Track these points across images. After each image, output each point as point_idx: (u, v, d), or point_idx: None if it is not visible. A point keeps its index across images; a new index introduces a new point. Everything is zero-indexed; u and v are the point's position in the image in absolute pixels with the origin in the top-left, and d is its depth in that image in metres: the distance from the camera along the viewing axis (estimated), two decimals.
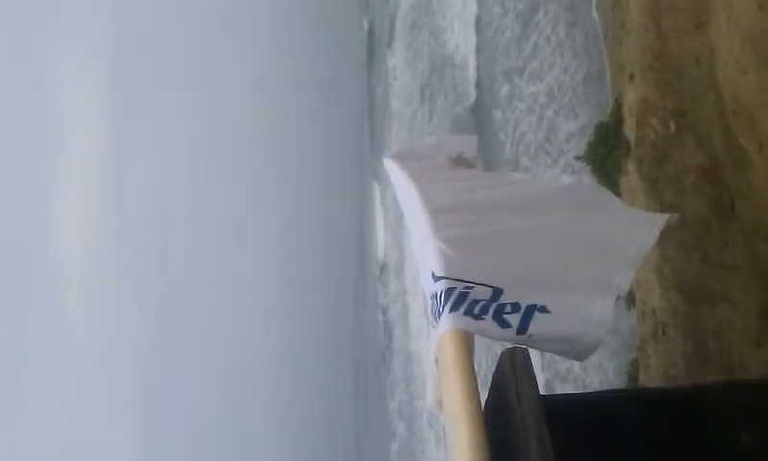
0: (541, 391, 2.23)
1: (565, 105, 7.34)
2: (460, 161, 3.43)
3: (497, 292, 2.37)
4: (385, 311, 18.37)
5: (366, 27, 22.15)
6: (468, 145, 3.59)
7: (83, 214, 23.67)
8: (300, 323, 23.84)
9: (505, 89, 9.56)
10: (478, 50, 11.17)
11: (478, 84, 11.04)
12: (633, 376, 4.51)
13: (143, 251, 24.28)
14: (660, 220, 2.81)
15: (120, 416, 23.11)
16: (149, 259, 24.22)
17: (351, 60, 23.15)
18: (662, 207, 4.20)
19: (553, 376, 6.84)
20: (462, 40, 12.20)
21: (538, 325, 2.28)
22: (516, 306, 2.32)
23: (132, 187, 24.41)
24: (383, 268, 18.76)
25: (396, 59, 18.00)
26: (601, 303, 2.37)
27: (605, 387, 5.12)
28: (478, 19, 11.21)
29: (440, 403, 2.44)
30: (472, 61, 11.39)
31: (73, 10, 23.55)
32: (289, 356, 23.92)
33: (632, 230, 2.73)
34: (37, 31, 23.24)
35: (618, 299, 2.44)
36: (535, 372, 2.21)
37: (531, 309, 2.30)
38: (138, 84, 24.33)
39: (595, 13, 6.66)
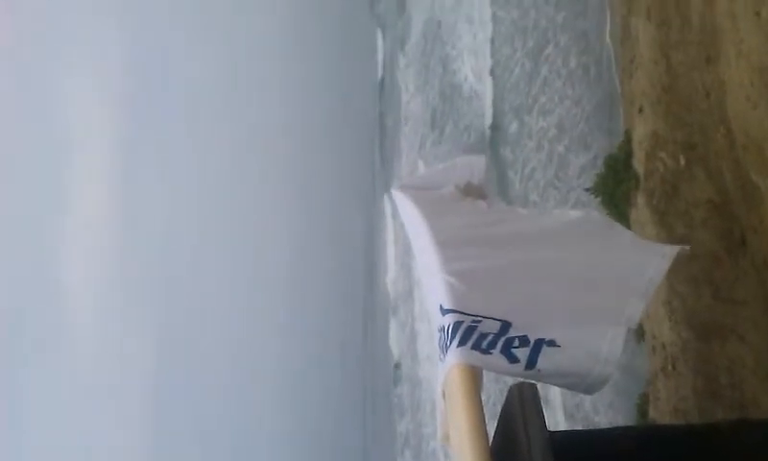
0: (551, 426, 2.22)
1: (576, 138, 7.32)
2: (469, 190, 3.40)
3: (506, 326, 2.35)
4: (393, 337, 18.32)
5: (379, 53, 22.30)
6: (477, 167, 3.53)
7: (91, 223, 23.75)
8: (308, 342, 23.79)
9: (514, 126, 9.57)
10: (484, 82, 11.23)
11: (485, 118, 11.08)
12: (642, 410, 4.47)
13: (151, 262, 24.33)
14: (671, 251, 2.78)
15: (127, 423, 23.08)
16: (157, 271, 24.27)
17: (363, 83, 23.29)
18: (672, 241, 4.18)
19: (562, 411, 6.79)
20: (470, 71, 12.26)
21: (546, 359, 2.25)
22: (524, 340, 2.30)
23: (141, 200, 24.52)
24: (392, 293, 18.73)
25: (406, 83, 18.11)
26: (611, 335, 2.35)
27: (613, 421, 5.08)
28: (487, 51, 11.28)
29: (447, 437, 2.43)
30: (481, 94, 11.44)
31: (83, 30, 23.77)
32: (296, 375, 23.84)
33: (642, 261, 2.70)
34: (46, 46, 23.43)
35: (629, 331, 2.41)
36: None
37: (540, 343, 2.28)
38: (148, 103, 24.49)
39: (609, 41, 6.65)
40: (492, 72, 10.95)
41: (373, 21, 23.11)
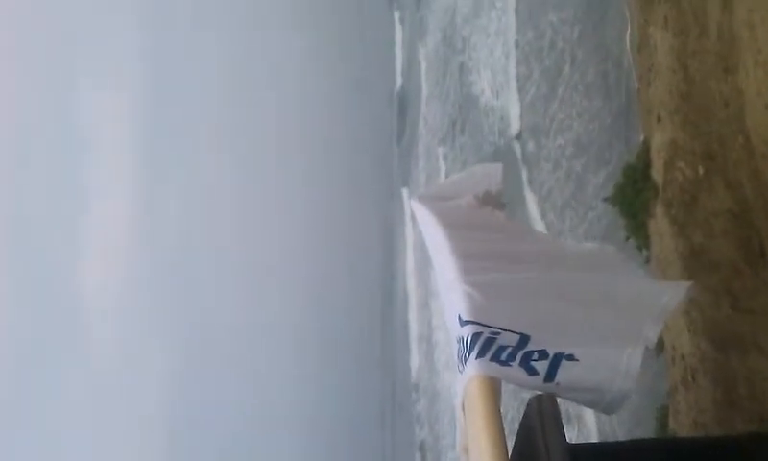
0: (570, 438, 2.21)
1: (594, 153, 7.25)
2: (487, 200, 3.40)
3: (524, 339, 2.35)
4: (411, 348, 18.31)
5: (398, 59, 22.39)
6: (495, 176, 3.54)
7: (110, 226, 23.91)
8: (325, 349, 23.82)
9: (531, 145, 9.54)
10: (500, 99, 11.23)
11: (503, 134, 11.06)
12: (662, 422, 4.44)
13: (169, 264, 24.47)
14: (682, 287, 2.81)
15: (144, 424, 23.21)
16: (175, 273, 24.39)
17: (381, 87, 23.39)
18: (692, 251, 4.16)
19: (578, 420, 6.75)
20: (487, 85, 12.26)
21: (565, 373, 2.25)
22: (543, 354, 2.29)
23: (160, 203, 24.66)
24: (408, 303, 18.73)
25: (425, 89, 18.18)
26: (629, 352, 2.34)
27: (633, 433, 5.04)
28: (502, 68, 11.28)
29: (466, 450, 2.41)
30: (497, 110, 11.44)
31: (103, 34, 23.97)
32: (313, 384, 23.87)
33: (656, 291, 2.74)
34: (66, 58, 23.63)
35: (647, 350, 2.40)
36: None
37: (559, 357, 2.28)
38: (167, 106, 24.65)
39: (628, 49, 6.62)
40: (508, 90, 10.95)
41: (393, 20, 23.21)
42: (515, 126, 10.29)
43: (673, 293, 2.70)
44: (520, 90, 10.31)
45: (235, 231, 24.64)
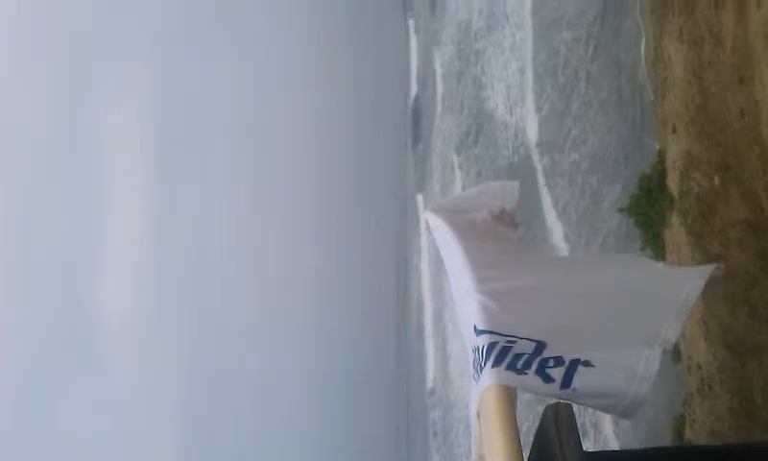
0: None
1: (609, 167, 7.23)
2: (502, 218, 3.41)
3: (540, 346, 2.36)
4: (429, 358, 18.29)
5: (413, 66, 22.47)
6: (511, 194, 3.53)
7: (125, 234, 24.11)
8: (339, 357, 23.80)
9: (546, 161, 9.55)
10: (514, 116, 11.26)
11: (516, 151, 11.08)
12: (678, 431, 4.43)
13: (184, 273, 24.61)
14: (705, 271, 2.76)
15: (159, 426, 23.31)
16: (189, 281, 24.52)
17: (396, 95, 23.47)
18: (708, 261, 4.17)
19: (594, 428, 6.74)
20: (501, 101, 12.29)
21: (582, 379, 2.25)
22: (559, 360, 2.30)
23: (174, 213, 24.82)
24: (423, 312, 18.74)
25: (439, 98, 18.24)
26: (647, 356, 2.34)
27: (649, 442, 5.03)
28: (517, 84, 11.31)
29: (482, 458, 2.42)
30: (511, 127, 11.46)
31: (117, 58, 24.21)
32: (327, 394, 23.86)
33: (677, 282, 2.69)
34: (81, 72, 23.88)
35: (665, 352, 2.40)
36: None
37: (575, 363, 2.28)
38: (180, 119, 24.84)
39: (643, 63, 6.62)
40: (523, 106, 10.99)
41: (408, 28, 23.29)
42: (530, 141, 10.31)
43: (694, 283, 2.65)
44: (536, 106, 10.35)
45: (248, 240, 24.72)
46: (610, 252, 6.40)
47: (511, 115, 11.59)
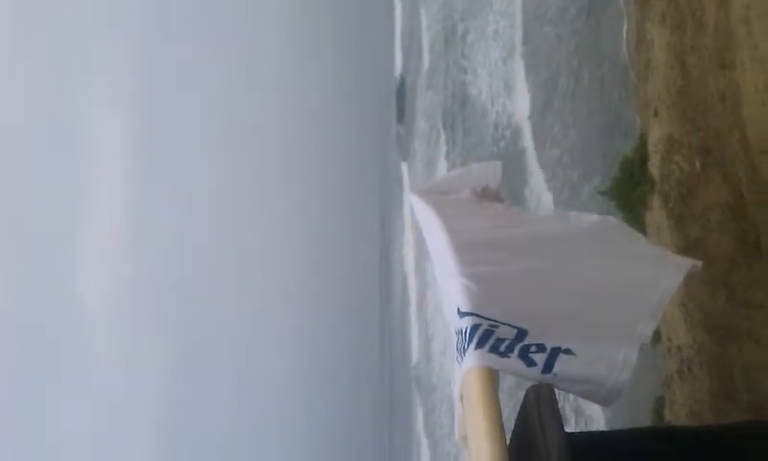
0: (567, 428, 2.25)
1: (591, 156, 7.27)
2: (486, 195, 3.43)
3: (522, 333, 2.38)
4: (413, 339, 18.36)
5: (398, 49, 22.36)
6: (493, 173, 3.58)
7: (106, 229, 23.96)
8: (322, 342, 23.85)
9: (528, 155, 9.58)
10: (496, 106, 11.26)
11: (497, 143, 11.09)
12: (658, 413, 4.48)
13: (165, 267, 24.51)
14: (685, 264, 2.82)
15: (141, 426, 23.28)
16: (170, 276, 24.43)
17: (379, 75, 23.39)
18: (688, 244, 4.20)
19: (576, 412, 6.80)
20: (484, 87, 12.29)
21: (563, 365, 2.28)
22: (541, 347, 2.33)
23: (155, 206, 24.70)
24: (410, 295, 18.77)
25: (422, 78, 18.22)
26: (625, 350, 2.38)
27: (629, 423, 5.09)
28: (500, 74, 11.31)
29: (464, 439, 2.44)
30: (492, 116, 11.46)
31: (98, 50, 23.97)
32: (310, 376, 23.92)
33: (655, 274, 2.73)
34: (64, 64, 23.65)
35: (642, 347, 2.44)
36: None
37: (556, 351, 2.31)
38: (162, 110, 24.66)
39: (624, 45, 6.62)
40: (504, 96, 11.00)
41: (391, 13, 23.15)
42: (513, 130, 10.34)
43: (671, 279, 2.71)
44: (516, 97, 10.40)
45: (230, 234, 24.65)
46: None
47: (492, 105, 11.63)
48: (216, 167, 24.71)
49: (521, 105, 10.21)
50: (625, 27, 6.13)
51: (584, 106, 7.56)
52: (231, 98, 24.63)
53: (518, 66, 10.51)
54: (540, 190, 8.93)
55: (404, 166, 19.81)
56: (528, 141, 9.68)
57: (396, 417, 20.78)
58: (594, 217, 3.18)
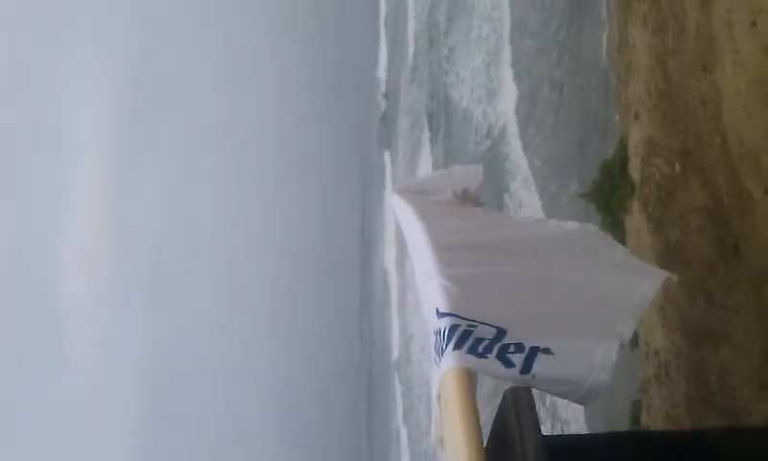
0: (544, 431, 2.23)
1: (571, 160, 7.31)
2: (466, 197, 3.43)
3: (501, 332, 2.36)
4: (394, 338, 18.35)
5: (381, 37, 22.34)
6: (474, 176, 3.60)
7: (87, 226, 23.79)
8: (302, 338, 23.81)
9: (509, 162, 9.63)
10: (478, 110, 11.31)
11: (478, 147, 11.12)
12: (634, 416, 4.48)
13: (145, 264, 24.40)
14: (661, 274, 2.82)
15: (122, 422, 23.15)
16: (150, 273, 24.31)
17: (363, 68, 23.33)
18: (668, 247, 4.20)
19: (552, 416, 6.80)
20: (465, 90, 12.30)
21: (541, 365, 2.27)
22: (519, 347, 2.31)
23: (136, 203, 24.56)
24: (391, 293, 18.76)
25: (405, 74, 18.22)
26: (604, 346, 2.37)
27: (606, 427, 5.09)
28: (481, 81, 11.34)
29: (441, 441, 2.41)
30: (474, 121, 11.48)
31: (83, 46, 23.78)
32: (290, 371, 23.86)
33: (634, 280, 2.73)
34: (50, 57, 23.44)
35: (621, 346, 2.43)
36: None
37: (535, 350, 2.29)
38: (144, 108, 24.53)
39: (604, 47, 6.64)
40: (486, 103, 11.04)
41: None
42: (494, 135, 10.38)
43: (650, 284, 2.71)
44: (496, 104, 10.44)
45: (209, 229, 24.55)
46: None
47: (473, 107, 11.66)
48: (195, 163, 24.59)
49: (503, 110, 10.28)
50: (606, 33, 6.14)
51: (565, 112, 7.60)
52: (213, 95, 24.52)
53: (501, 73, 10.58)
54: (520, 194, 8.99)
55: (387, 155, 19.85)
56: (509, 146, 9.75)
57: (375, 414, 20.77)
58: (574, 224, 3.18)
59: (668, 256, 4.13)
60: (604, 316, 2.55)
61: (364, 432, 22.20)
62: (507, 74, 10.36)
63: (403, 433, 16.74)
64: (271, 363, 23.70)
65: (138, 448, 23.10)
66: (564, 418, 6.60)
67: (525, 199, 8.74)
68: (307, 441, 23.69)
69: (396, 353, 17.94)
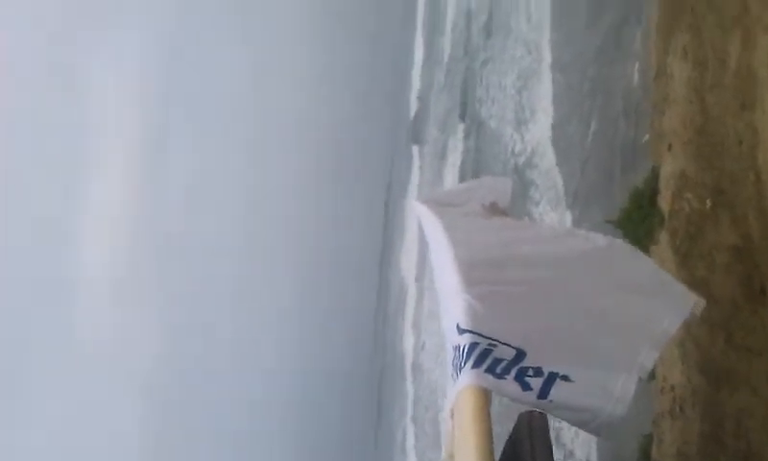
0: None
1: (600, 184, 7.30)
2: (494, 210, 3.39)
3: (521, 354, 2.35)
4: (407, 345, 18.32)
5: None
6: (503, 190, 3.56)
7: (104, 216, 23.91)
8: (316, 338, 23.78)
9: (536, 187, 9.65)
10: (509, 132, 11.33)
11: (505, 164, 11.12)
12: (645, 450, 4.43)
13: (160, 254, 24.48)
14: (690, 299, 2.78)
15: (131, 412, 23.21)
16: (164, 262, 24.38)
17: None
18: (693, 282, 4.15)
19: (557, 443, 6.75)
20: (496, 112, 12.30)
21: (559, 391, 2.25)
22: (538, 371, 2.29)
23: (155, 194, 24.66)
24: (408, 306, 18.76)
25: (438, 79, 18.27)
26: (623, 380, 2.35)
27: (615, 458, 5.05)
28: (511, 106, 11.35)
29: (451, 456, 2.41)
30: (505, 141, 11.48)
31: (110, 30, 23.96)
32: (302, 372, 23.82)
33: (661, 307, 2.69)
34: (79, 34, 23.62)
35: (641, 379, 2.41)
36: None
37: (553, 376, 2.28)
38: (167, 97, 24.62)
39: (636, 77, 6.63)
40: (515, 123, 11.05)
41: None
42: (525, 157, 10.40)
43: (676, 312, 2.68)
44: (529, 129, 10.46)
45: (229, 223, 24.57)
46: None
47: (502, 128, 11.70)
48: (222, 146, 24.62)
49: (534, 132, 10.29)
50: (637, 65, 6.12)
51: (595, 139, 7.61)
52: (241, 93, 24.57)
53: (534, 96, 10.59)
54: (547, 217, 8.99)
55: (415, 152, 19.91)
56: (537, 169, 9.75)
57: (383, 417, 20.76)
58: (603, 239, 3.08)
59: (693, 291, 4.08)
60: (626, 345, 2.51)
61: (371, 436, 22.18)
62: (539, 98, 10.37)
63: (410, 440, 16.71)
64: (282, 361, 23.68)
65: (145, 437, 23.14)
66: (568, 448, 6.56)
67: (551, 221, 8.74)
68: (313, 439, 23.66)
69: (409, 360, 17.92)
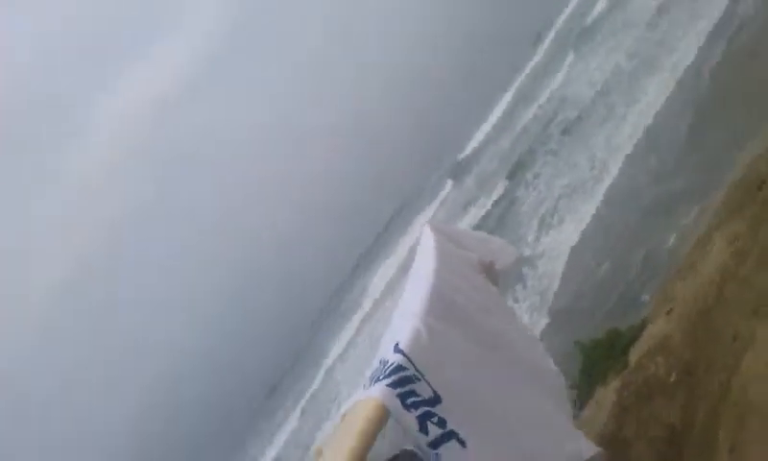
0: None
1: (587, 312, 7.44)
2: (488, 270, 3.39)
3: (436, 399, 2.36)
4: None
5: None
6: (507, 257, 3.58)
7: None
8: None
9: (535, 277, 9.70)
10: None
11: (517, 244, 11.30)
12: None
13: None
14: (592, 449, 2.84)
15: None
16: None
17: None
18: (615, 438, 4.09)
19: None
20: (535, 201, 12.39)
21: (449, 452, 2.28)
22: (442, 422, 2.31)
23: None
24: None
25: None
26: None
27: None
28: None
29: (320, 452, 2.44)
30: (529, 224, 11.58)
31: None
32: None
33: (567, 437, 2.80)
34: None
35: None
36: None
37: (452, 435, 2.30)
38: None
39: (671, 242, 6.64)
40: (541, 225, 11.18)
41: None
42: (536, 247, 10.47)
43: (584, 448, 2.76)
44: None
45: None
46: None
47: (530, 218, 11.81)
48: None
49: (558, 238, 10.42)
50: (676, 234, 6.08)
51: (605, 275, 7.76)
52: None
53: (573, 207, 10.71)
54: (528, 306, 9.08)
55: (449, 182, 20.05)
56: (536, 271, 9.91)
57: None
58: (553, 367, 3.20)
59: (610, 445, 4.01)
60: (531, 448, 2.59)
61: None
62: (575, 213, 10.54)
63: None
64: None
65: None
66: None
67: (529, 314, 8.96)
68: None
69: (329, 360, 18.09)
